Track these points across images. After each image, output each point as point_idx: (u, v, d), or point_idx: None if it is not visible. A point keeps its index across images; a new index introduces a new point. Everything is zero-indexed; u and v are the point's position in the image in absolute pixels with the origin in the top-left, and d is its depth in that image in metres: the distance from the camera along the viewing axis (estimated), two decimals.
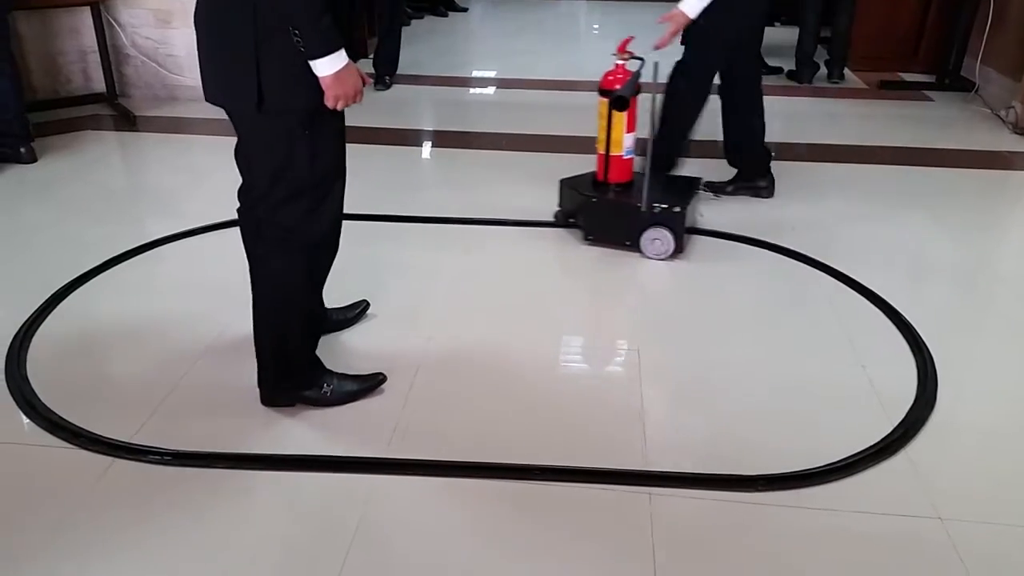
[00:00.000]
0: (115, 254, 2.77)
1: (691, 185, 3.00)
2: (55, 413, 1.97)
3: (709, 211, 3.15)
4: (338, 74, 1.65)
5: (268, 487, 1.77)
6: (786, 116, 4.74)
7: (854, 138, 4.19)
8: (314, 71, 1.64)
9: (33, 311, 2.40)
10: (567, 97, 4.85)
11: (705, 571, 1.58)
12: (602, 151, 2.86)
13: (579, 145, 3.93)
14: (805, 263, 2.81)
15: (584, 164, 3.62)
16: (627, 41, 2.69)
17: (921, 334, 2.35)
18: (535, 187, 3.32)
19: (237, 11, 1.61)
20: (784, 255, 2.87)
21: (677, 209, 2.76)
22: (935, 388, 2.12)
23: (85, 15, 4.31)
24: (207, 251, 2.89)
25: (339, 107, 1.70)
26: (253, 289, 1.92)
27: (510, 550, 1.62)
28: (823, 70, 5.29)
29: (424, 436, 1.93)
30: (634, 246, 2.82)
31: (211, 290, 2.59)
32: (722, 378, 2.18)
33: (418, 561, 1.60)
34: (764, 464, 1.83)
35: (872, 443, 1.91)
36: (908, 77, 5.38)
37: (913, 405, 2.06)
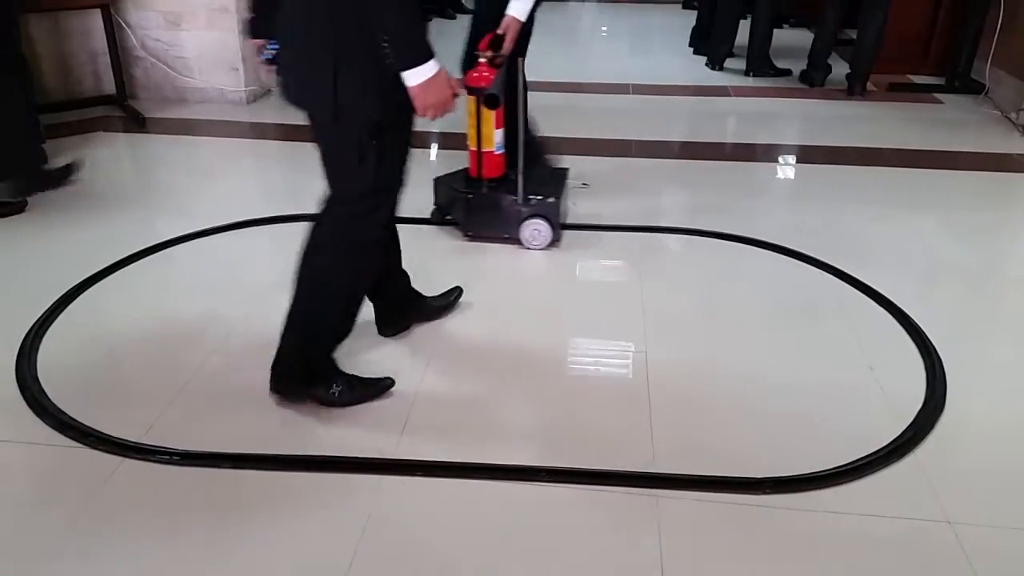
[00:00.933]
0: (125, 255, 2.78)
1: (561, 176, 3.09)
2: (65, 413, 1.98)
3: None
4: (428, 84, 1.67)
5: (276, 487, 1.78)
6: (794, 118, 4.74)
7: (863, 140, 4.18)
8: (404, 82, 1.66)
9: (44, 311, 2.41)
10: (577, 99, 4.86)
11: (712, 574, 1.58)
12: (474, 148, 2.90)
13: (587, 147, 3.94)
14: (813, 265, 2.81)
15: (592, 166, 3.63)
16: (489, 37, 2.71)
17: (930, 336, 2.34)
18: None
19: (318, 22, 1.65)
20: (792, 257, 2.86)
21: (552, 200, 2.85)
22: (944, 391, 2.11)
23: (95, 17, 4.33)
24: (217, 252, 2.90)
25: (430, 117, 1.73)
26: (297, 281, 1.95)
27: (516, 552, 1.62)
28: (833, 73, 5.16)
29: (431, 437, 1.94)
30: (513, 238, 2.88)
31: (221, 291, 2.60)
32: (729, 380, 2.18)
33: (425, 562, 1.60)
34: (772, 467, 1.83)
35: (881, 446, 1.90)
36: (917, 79, 5.35)
37: (922, 408, 2.05)
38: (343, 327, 2.00)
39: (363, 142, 1.75)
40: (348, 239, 1.89)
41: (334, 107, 1.69)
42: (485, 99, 2.74)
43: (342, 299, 1.97)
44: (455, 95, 1.75)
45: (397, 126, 1.78)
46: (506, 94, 2.78)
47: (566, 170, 3.16)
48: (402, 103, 1.70)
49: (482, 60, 2.73)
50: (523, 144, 2.85)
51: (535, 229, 2.86)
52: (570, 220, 3.07)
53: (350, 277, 1.95)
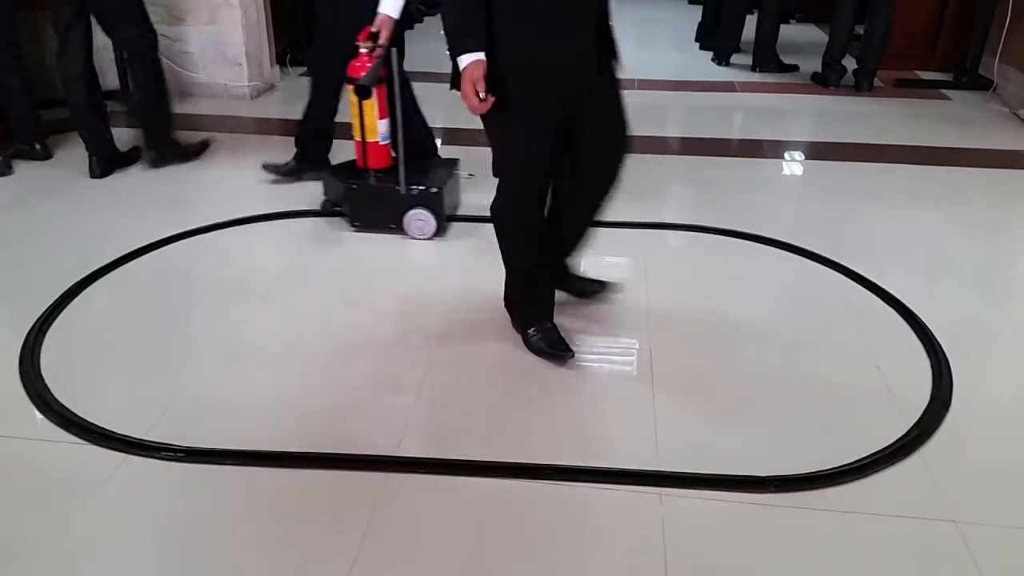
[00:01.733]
0: (128, 251, 2.78)
1: (449, 166, 3.10)
2: (68, 409, 1.98)
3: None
4: (461, 75, 1.88)
5: (279, 484, 1.77)
6: (801, 114, 4.72)
7: (870, 137, 4.16)
8: None
9: (47, 307, 2.42)
10: None
11: (716, 573, 1.57)
12: (358, 138, 2.91)
13: None
14: (819, 262, 2.79)
15: None
16: (367, 29, 2.73)
17: (936, 335, 2.33)
18: None
19: None
20: (798, 254, 2.85)
21: (435, 190, 2.86)
22: (950, 389, 2.10)
23: None
24: (220, 248, 2.89)
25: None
26: None
27: (520, 550, 1.62)
28: (848, 75, 5.08)
29: (434, 435, 1.93)
30: (398, 229, 2.90)
31: (223, 287, 2.60)
32: (734, 378, 2.17)
33: (428, 560, 1.59)
34: (776, 465, 1.82)
35: (886, 444, 1.89)
36: (925, 75, 5.33)
37: (928, 406, 2.04)
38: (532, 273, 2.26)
39: (492, 114, 1.97)
40: (499, 202, 2.20)
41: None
42: (356, 89, 2.76)
43: (518, 245, 2.24)
44: (477, 93, 1.87)
45: (513, 104, 1.95)
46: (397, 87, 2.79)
47: (455, 160, 3.17)
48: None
49: (363, 50, 2.75)
50: (414, 135, 2.91)
51: (418, 219, 2.87)
52: None
53: (510, 227, 2.23)
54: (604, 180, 2.20)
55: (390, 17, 2.76)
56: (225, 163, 3.69)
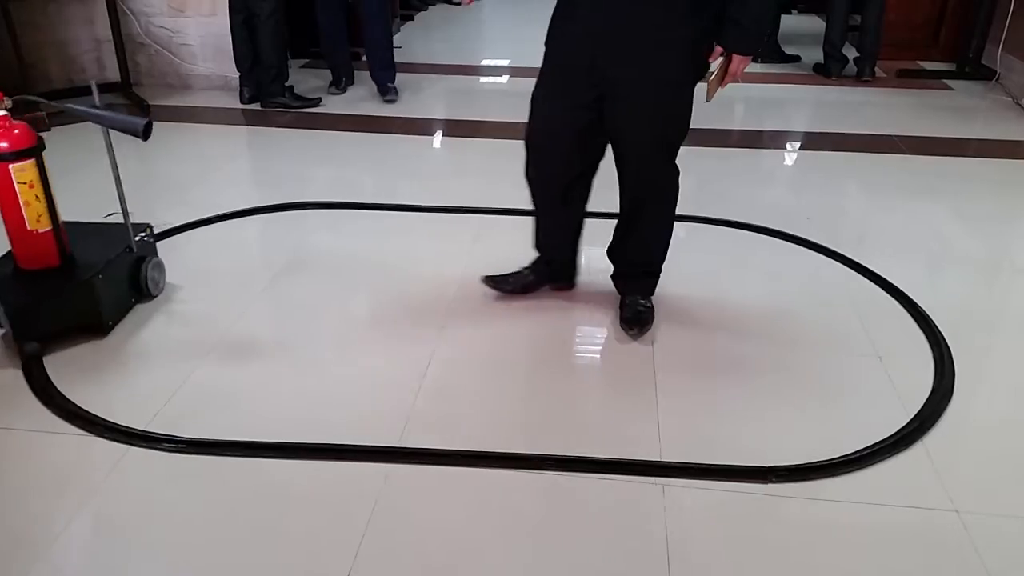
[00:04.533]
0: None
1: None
2: (70, 401, 1.98)
3: None
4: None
5: (282, 475, 1.78)
6: (803, 104, 4.71)
7: (872, 127, 4.15)
8: None
9: None
10: None
11: (719, 563, 1.57)
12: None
13: None
14: (822, 253, 2.79)
15: None
16: None
17: (938, 325, 2.33)
18: None
19: None
20: (800, 245, 2.85)
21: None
22: (952, 380, 2.10)
23: (99, 4, 4.31)
24: (220, 240, 2.89)
25: None
26: None
27: (522, 540, 1.62)
28: (851, 64, 5.06)
29: (437, 425, 1.93)
30: None
31: (223, 279, 2.59)
32: (736, 368, 2.17)
33: (431, 550, 1.60)
34: (779, 455, 1.82)
35: (888, 435, 1.89)
36: (927, 65, 5.31)
37: (930, 397, 2.04)
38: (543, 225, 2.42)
39: None
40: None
41: None
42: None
43: (539, 199, 2.35)
44: None
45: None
46: None
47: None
48: None
49: None
50: None
51: None
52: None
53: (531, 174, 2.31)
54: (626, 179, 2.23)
55: None
56: (225, 155, 3.69)
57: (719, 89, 2.09)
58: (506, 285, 2.46)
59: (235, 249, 2.84)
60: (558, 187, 2.26)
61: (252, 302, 2.46)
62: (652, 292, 2.37)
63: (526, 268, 2.47)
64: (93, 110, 2.10)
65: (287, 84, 4.32)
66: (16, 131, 2.09)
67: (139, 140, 2.03)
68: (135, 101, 4.32)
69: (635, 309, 2.31)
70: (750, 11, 1.92)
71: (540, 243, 2.44)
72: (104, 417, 1.92)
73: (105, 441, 1.85)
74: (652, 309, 2.34)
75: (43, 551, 1.57)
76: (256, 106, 4.26)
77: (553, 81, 2.13)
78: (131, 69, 4.52)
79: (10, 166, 2.08)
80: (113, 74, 4.48)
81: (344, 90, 4.63)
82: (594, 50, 1.99)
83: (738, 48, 1.99)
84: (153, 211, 3.08)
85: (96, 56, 4.52)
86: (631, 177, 2.21)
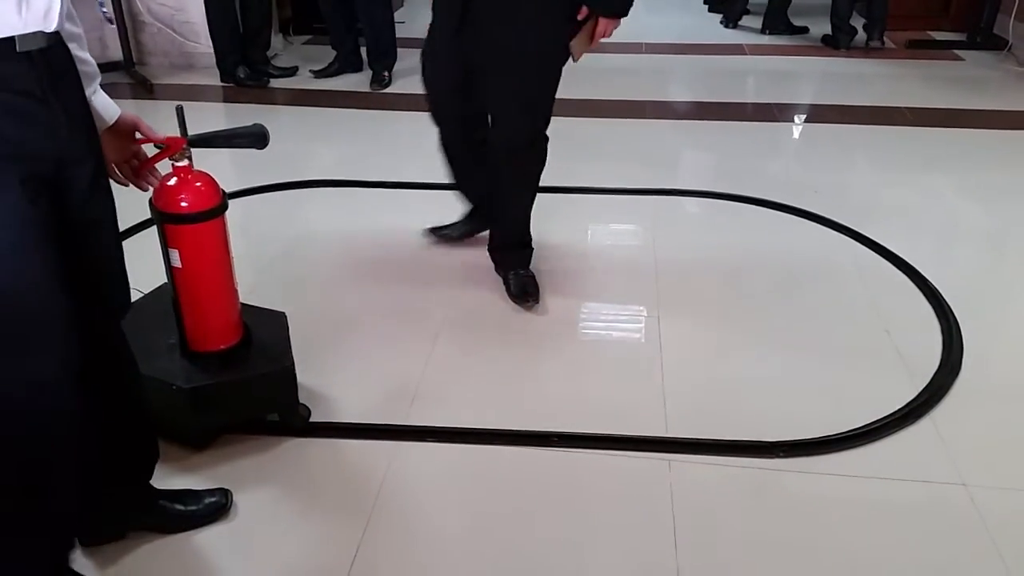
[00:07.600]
0: (132, 224, 2.77)
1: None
2: None
3: None
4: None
5: (289, 454, 1.78)
6: (811, 77, 4.65)
7: (881, 99, 4.09)
8: None
9: None
10: (588, 59, 4.76)
11: (725, 538, 1.58)
12: None
13: (599, 108, 3.88)
14: (829, 227, 2.77)
15: (604, 127, 3.57)
16: None
17: (947, 299, 2.31)
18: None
19: None
20: (808, 219, 2.83)
21: None
22: (960, 354, 2.09)
23: None
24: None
25: None
26: None
27: (529, 517, 1.62)
28: (860, 34, 4.99)
29: (443, 403, 1.94)
30: None
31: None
32: (743, 343, 2.16)
33: (438, 527, 1.61)
34: (785, 430, 1.82)
35: (896, 409, 1.88)
36: (938, 36, 5.23)
37: (938, 371, 2.03)
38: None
39: None
40: None
41: None
42: None
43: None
44: None
45: None
46: None
47: None
48: None
49: None
50: None
51: None
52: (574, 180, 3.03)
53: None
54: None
55: None
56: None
57: (585, 51, 2.10)
58: (450, 231, 2.61)
59: (236, 229, 2.83)
60: (457, 134, 2.33)
61: (255, 281, 2.45)
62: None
63: (461, 219, 2.60)
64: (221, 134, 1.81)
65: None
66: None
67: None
68: (139, 80, 4.30)
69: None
70: None
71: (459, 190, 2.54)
72: None
73: None
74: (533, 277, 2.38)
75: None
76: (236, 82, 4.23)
77: (432, 39, 2.19)
78: (134, 48, 4.50)
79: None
80: (116, 53, 4.45)
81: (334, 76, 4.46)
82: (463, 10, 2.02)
83: (602, 10, 2.00)
84: None
85: (99, 35, 4.49)
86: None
